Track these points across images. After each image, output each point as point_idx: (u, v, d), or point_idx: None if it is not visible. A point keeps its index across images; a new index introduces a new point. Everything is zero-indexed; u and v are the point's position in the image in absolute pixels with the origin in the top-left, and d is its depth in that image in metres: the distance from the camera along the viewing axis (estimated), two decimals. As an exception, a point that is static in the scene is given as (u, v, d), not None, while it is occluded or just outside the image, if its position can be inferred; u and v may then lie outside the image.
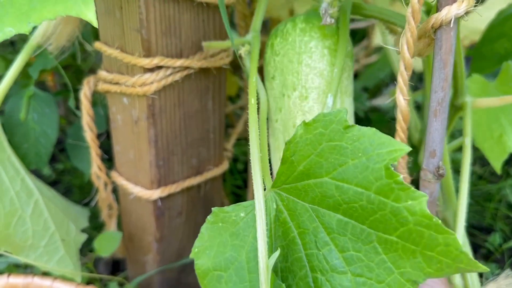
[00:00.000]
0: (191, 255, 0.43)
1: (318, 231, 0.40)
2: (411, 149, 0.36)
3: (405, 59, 0.41)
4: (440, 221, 0.34)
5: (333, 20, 0.47)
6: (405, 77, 0.42)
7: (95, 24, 0.39)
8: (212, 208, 0.44)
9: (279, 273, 0.43)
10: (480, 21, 0.87)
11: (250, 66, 0.49)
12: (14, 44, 1.30)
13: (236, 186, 1.00)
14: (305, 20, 0.52)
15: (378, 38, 1.13)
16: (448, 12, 0.39)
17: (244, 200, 0.95)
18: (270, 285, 0.38)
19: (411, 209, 0.34)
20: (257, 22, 0.53)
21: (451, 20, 0.39)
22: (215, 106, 0.65)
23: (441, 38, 0.41)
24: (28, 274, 0.64)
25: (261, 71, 0.96)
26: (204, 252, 0.42)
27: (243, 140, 1.04)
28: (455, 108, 0.57)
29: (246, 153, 1.03)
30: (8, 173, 0.61)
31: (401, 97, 0.43)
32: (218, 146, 0.69)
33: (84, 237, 0.69)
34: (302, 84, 0.51)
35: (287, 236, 0.42)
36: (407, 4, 0.42)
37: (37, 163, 0.69)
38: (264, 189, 0.44)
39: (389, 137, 0.36)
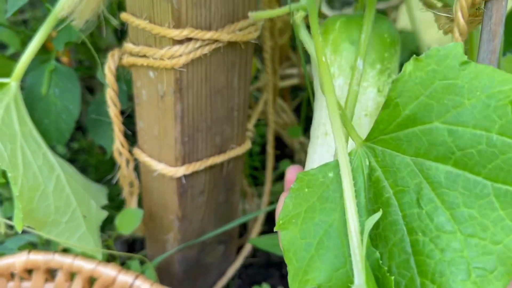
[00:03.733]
0: (276, 228, 0.39)
1: (421, 187, 0.36)
2: None
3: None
4: None
5: None
6: (463, 26, 0.40)
7: None
8: (297, 174, 0.40)
9: (369, 241, 0.38)
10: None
11: (312, 28, 0.46)
12: (27, 23, 1.29)
13: (254, 168, 0.99)
14: (346, 21, 0.50)
15: (403, 19, 1.10)
16: None
17: (262, 182, 0.94)
18: (364, 252, 0.34)
19: None
20: None
21: None
22: (241, 83, 0.63)
23: (492, 8, 0.39)
24: (49, 251, 0.63)
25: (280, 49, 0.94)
26: (290, 222, 0.38)
27: (260, 121, 1.02)
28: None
29: (263, 135, 1.01)
30: (30, 147, 0.60)
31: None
32: (241, 124, 0.68)
33: (104, 214, 0.68)
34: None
35: (380, 198, 0.38)
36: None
37: (58, 139, 0.67)
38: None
39: (510, 74, 0.32)
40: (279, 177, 0.98)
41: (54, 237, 0.60)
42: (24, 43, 1.01)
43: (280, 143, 1.03)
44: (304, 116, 1.01)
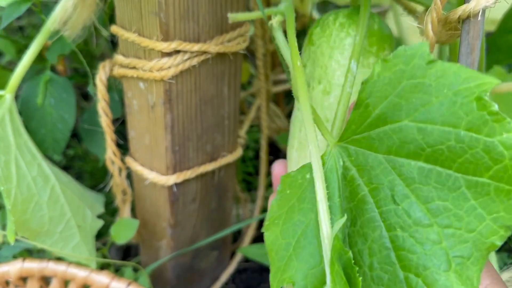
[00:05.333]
0: (262, 229, 0.41)
1: (395, 183, 0.36)
2: (500, 82, 0.32)
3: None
4: None
5: None
6: (431, 37, 0.42)
7: None
8: (280, 177, 0.41)
9: (346, 239, 0.39)
10: (493, 11, 0.86)
11: (288, 33, 0.46)
12: (23, 30, 1.30)
13: (247, 173, 0.99)
14: (347, 15, 0.51)
15: (391, 23, 1.11)
16: (476, 4, 0.38)
17: (256, 187, 0.95)
18: (334, 253, 0.35)
19: (506, 143, 0.31)
20: None
21: (479, 12, 0.38)
22: (231, 92, 0.64)
23: (469, 23, 0.40)
24: (43, 259, 0.64)
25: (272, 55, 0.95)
26: (273, 223, 0.40)
27: (254, 127, 1.03)
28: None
29: (257, 141, 1.02)
30: (25, 158, 0.61)
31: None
32: (232, 132, 0.69)
33: (100, 223, 0.69)
34: (328, 79, 0.50)
35: (355, 197, 0.39)
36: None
37: (54, 149, 0.68)
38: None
39: (475, 71, 0.33)
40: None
41: (48, 247, 0.60)
42: (20, 51, 1.02)
43: (274, 148, 1.04)
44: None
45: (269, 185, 0.98)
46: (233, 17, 0.50)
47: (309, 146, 0.40)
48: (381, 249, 0.37)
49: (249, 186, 0.99)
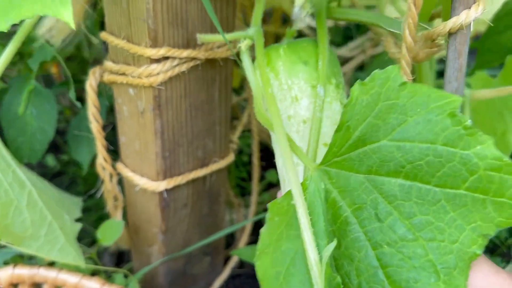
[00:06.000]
0: (254, 259, 0.41)
1: (377, 202, 0.38)
2: (463, 99, 0.35)
3: (407, 43, 0.41)
4: (510, 160, 0.33)
5: (304, 24, 0.46)
6: (407, 60, 0.42)
7: (72, 25, 0.38)
8: (267, 205, 0.42)
9: (333, 263, 0.40)
10: (485, 12, 0.86)
11: (257, 59, 0.47)
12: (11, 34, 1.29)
13: (241, 179, 0.99)
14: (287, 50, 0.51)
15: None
16: (467, 17, 0.38)
17: (250, 192, 0.95)
18: (325, 279, 0.36)
19: (480, 154, 0.33)
20: (258, 16, 0.51)
21: (470, 23, 0.38)
22: (222, 97, 0.64)
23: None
24: (34, 265, 0.64)
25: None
26: (264, 252, 0.40)
27: (247, 132, 1.03)
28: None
29: (250, 145, 1.02)
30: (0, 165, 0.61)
31: (405, 78, 0.43)
32: (224, 138, 0.69)
33: (78, 226, 0.69)
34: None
35: (338, 219, 0.40)
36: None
37: (30, 158, 0.68)
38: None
39: (441, 90, 0.35)
40: (266, 187, 0.99)
41: (34, 252, 0.60)
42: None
43: (267, 153, 1.04)
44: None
45: (263, 191, 0.98)
46: (202, 38, 0.52)
47: (288, 175, 0.40)
48: (368, 268, 0.38)
49: (243, 191, 0.99)
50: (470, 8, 0.38)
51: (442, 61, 0.48)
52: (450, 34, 0.40)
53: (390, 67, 0.36)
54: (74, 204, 0.70)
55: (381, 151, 0.37)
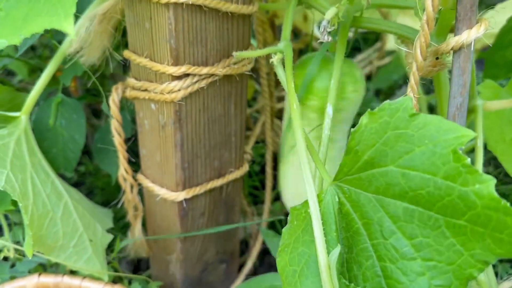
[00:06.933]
0: (276, 254, 0.46)
1: (383, 220, 0.41)
2: (476, 134, 0.37)
3: (417, 62, 0.43)
4: (508, 204, 0.34)
5: (330, 38, 0.49)
6: (416, 78, 0.45)
7: (72, 35, 0.44)
8: (289, 208, 0.47)
9: (345, 264, 0.43)
10: (491, 25, 0.88)
11: (286, 73, 0.50)
12: (35, 49, 1.34)
13: (253, 187, 1.02)
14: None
15: (391, 41, 1.15)
16: (468, 36, 0.41)
17: (262, 201, 0.97)
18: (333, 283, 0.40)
19: (478, 193, 0.35)
20: (287, 31, 0.55)
21: (471, 43, 0.41)
22: (237, 110, 0.67)
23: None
24: (58, 274, 0.67)
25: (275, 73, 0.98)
26: (284, 250, 0.45)
27: (260, 142, 1.06)
28: (467, 111, 0.59)
29: (262, 155, 1.05)
30: (40, 176, 0.64)
31: (412, 95, 0.45)
32: (239, 149, 0.71)
33: (109, 237, 0.72)
34: None
35: (351, 228, 0.43)
36: (416, 14, 0.44)
37: (65, 167, 0.72)
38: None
39: (454, 123, 0.37)
40: (278, 197, 1.01)
41: (62, 261, 0.63)
42: (32, 71, 1.05)
43: (279, 162, 1.06)
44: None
45: (275, 199, 1.00)
46: (238, 55, 0.55)
47: (306, 187, 0.44)
48: (373, 276, 0.42)
49: (256, 199, 1.01)
50: (472, 28, 0.41)
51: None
52: (454, 52, 0.43)
53: (401, 98, 0.39)
54: (105, 215, 0.73)
55: (388, 175, 0.39)
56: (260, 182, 1.01)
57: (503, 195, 0.97)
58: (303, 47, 1.06)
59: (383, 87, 1.23)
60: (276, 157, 1.04)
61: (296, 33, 1.10)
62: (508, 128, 0.67)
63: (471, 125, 0.62)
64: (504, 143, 0.67)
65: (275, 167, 0.96)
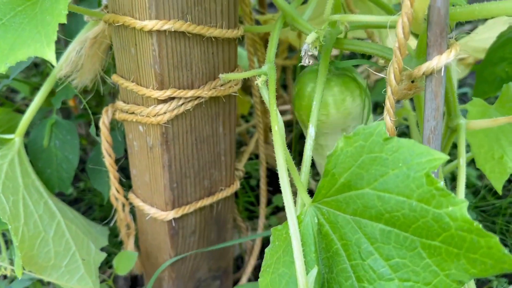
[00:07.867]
0: (259, 274, 0.47)
1: (361, 241, 0.42)
2: (449, 157, 0.37)
3: (392, 86, 0.44)
4: (480, 225, 0.35)
5: (312, 61, 0.50)
6: (392, 101, 0.46)
7: (54, 63, 0.46)
8: (271, 229, 0.48)
9: (325, 284, 0.44)
10: (482, 40, 0.88)
11: (269, 95, 0.51)
12: (38, 66, 1.37)
13: (249, 203, 1.03)
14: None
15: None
16: (438, 62, 0.41)
17: (257, 216, 0.98)
18: None
19: (452, 215, 0.36)
20: (271, 53, 0.56)
21: (441, 68, 0.41)
22: (226, 130, 0.68)
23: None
24: (53, 290, 0.68)
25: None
26: (266, 270, 0.46)
27: (256, 157, 1.07)
28: (451, 130, 0.59)
29: (258, 170, 1.06)
30: (32, 197, 0.66)
31: (388, 118, 0.46)
32: (229, 167, 0.72)
33: (103, 256, 0.73)
34: None
35: (331, 248, 0.44)
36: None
37: (60, 187, 0.73)
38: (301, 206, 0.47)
39: (427, 147, 0.38)
40: (274, 211, 1.02)
41: (54, 280, 0.64)
42: (34, 89, 1.08)
43: (275, 177, 1.07)
44: (295, 150, 1.05)
45: (270, 214, 1.01)
46: (224, 77, 0.56)
47: (286, 210, 0.45)
48: None
49: (251, 215, 1.02)
50: (442, 54, 0.42)
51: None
52: (426, 76, 0.44)
53: (375, 122, 0.40)
54: (100, 233, 0.75)
55: (364, 197, 0.40)
56: (255, 197, 1.02)
57: (499, 208, 0.97)
58: (297, 63, 1.07)
59: (381, 101, 1.23)
60: (273, 172, 1.05)
61: (291, 49, 1.11)
62: (496, 145, 0.67)
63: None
64: (493, 160, 0.67)
65: (270, 183, 0.97)
